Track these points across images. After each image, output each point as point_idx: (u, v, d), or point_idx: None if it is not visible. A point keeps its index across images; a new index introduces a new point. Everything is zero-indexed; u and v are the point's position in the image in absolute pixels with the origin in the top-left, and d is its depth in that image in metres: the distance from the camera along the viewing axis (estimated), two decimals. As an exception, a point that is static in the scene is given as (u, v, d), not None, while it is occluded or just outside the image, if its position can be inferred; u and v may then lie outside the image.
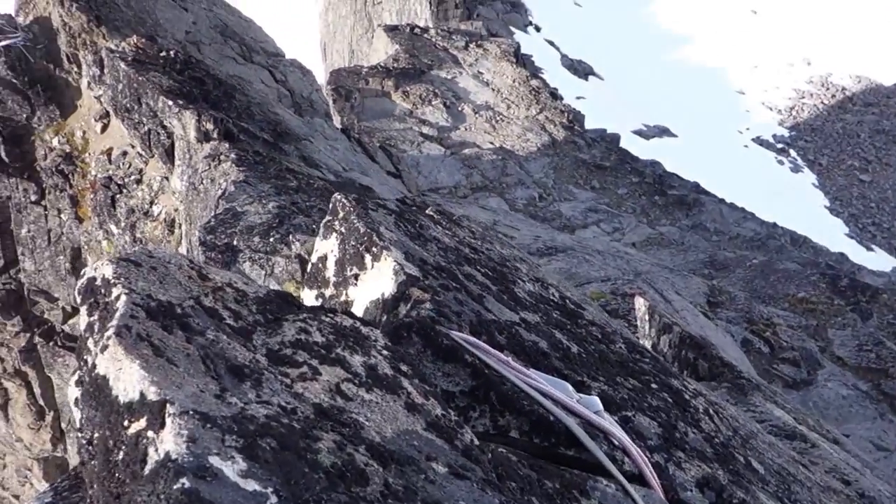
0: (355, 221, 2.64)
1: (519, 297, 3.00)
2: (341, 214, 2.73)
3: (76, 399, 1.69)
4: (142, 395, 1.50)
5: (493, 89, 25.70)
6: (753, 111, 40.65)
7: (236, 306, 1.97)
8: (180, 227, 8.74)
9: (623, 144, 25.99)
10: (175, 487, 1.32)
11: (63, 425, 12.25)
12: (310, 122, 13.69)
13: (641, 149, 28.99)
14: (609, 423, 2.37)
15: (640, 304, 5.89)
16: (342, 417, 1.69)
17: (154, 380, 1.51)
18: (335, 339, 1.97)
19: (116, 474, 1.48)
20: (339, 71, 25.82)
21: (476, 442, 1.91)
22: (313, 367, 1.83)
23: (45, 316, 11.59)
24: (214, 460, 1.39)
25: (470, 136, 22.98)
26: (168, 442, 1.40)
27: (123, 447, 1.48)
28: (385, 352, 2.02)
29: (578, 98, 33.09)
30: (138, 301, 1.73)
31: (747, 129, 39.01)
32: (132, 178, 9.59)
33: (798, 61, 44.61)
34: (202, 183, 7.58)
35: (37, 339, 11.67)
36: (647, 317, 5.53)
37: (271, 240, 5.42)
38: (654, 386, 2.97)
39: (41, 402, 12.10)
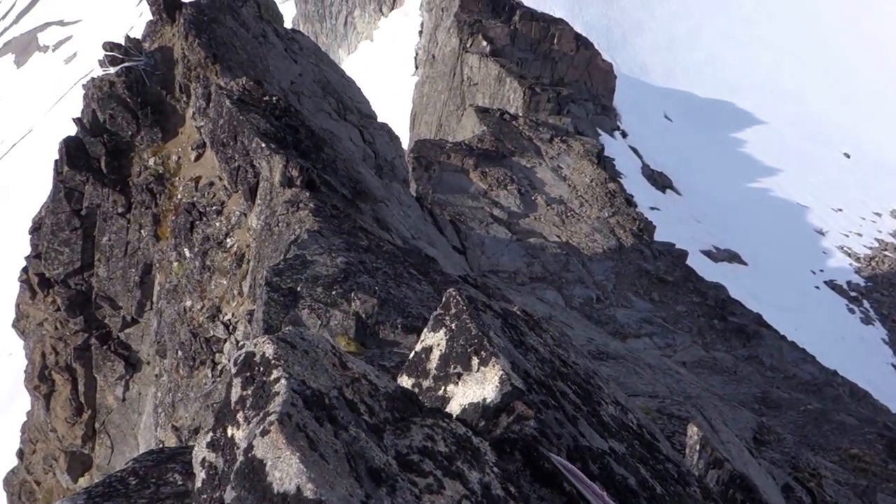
0: (467, 321, 2.63)
1: (605, 421, 3.03)
2: (453, 311, 2.71)
3: (203, 460, 1.79)
4: (298, 489, 1.57)
5: (570, 185, 25.98)
6: (831, 254, 39.71)
7: (370, 401, 2.10)
8: (248, 262, 9.02)
9: (690, 262, 25.73)
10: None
11: (96, 426, 12.54)
12: (388, 185, 14.08)
13: (708, 270, 28.61)
14: None
15: (692, 432, 5.72)
16: (463, 539, 1.77)
17: (311, 476, 1.59)
18: (456, 450, 2.08)
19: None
20: (425, 142, 26.54)
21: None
22: (438, 479, 1.95)
23: (106, 321, 12.03)
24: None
25: (538, 227, 23.17)
26: None
27: None
28: (496, 469, 2.11)
29: (652, 208, 33.09)
30: (296, 387, 1.84)
31: (821, 270, 38.09)
32: (213, 208, 9.99)
33: (886, 213, 43.69)
34: (278, 225, 7.85)
35: (93, 340, 12.11)
36: (698, 447, 5.37)
37: (333, 293, 5.56)
38: (729, 541, 2.94)
39: (82, 399, 12.47)
